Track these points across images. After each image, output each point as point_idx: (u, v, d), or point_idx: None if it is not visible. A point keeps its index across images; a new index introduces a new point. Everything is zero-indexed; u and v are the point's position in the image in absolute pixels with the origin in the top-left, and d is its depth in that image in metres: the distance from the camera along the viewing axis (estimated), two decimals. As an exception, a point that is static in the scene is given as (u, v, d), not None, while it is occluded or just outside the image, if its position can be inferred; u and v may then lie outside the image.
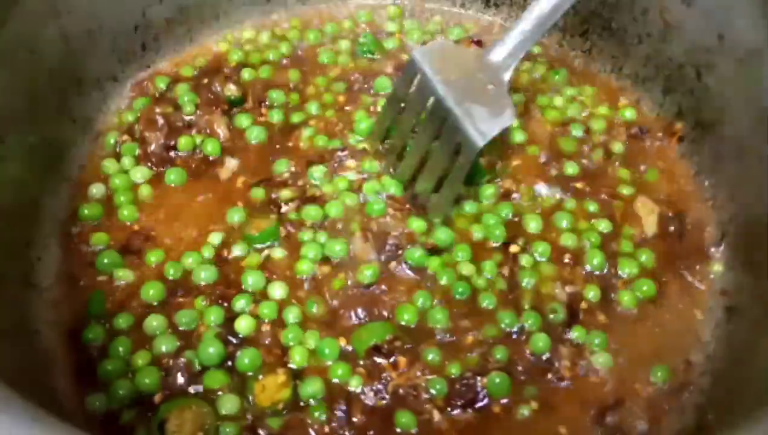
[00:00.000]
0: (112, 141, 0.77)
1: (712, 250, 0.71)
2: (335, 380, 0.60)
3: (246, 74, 0.83)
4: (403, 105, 0.74)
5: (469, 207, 0.73)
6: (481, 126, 0.67)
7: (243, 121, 0.78)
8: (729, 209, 0.71)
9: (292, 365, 0.61)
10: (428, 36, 0.89)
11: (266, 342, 0.62)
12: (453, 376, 0.61)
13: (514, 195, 0.73)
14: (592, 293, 0.67)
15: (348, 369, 0.61)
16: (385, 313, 0.65)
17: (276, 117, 0.79)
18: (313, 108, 0.81)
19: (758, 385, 0.56)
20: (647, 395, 0.62)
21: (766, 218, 0.65)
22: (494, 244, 0.70)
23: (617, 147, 0.78)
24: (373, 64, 0.86)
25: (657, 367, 0.63)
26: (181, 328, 0.63)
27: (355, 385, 0.60)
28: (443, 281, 0.67)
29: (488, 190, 0.73)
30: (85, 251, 0.68)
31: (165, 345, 0.62)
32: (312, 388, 0.59)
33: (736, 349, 0.63)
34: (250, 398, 0.59)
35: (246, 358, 0.61)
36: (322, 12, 0.92)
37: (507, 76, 0.71)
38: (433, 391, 0.60)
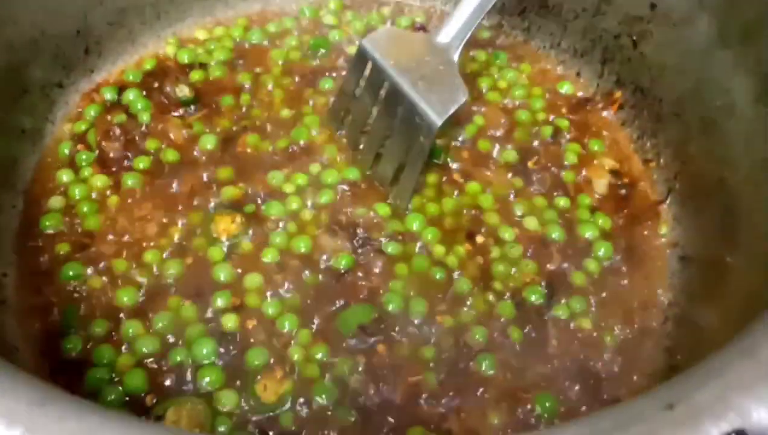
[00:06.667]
0: (66, 151, 0.75)
1: (661, 206, 0.75)
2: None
3: (196, 75, 0.82)
4: (356, 94, 0.75)
5: (428, 192, 0.74)
6: (438, 106, 0.69)
7: (197, 126, 0.78)
8: (673, 167, 0.75)
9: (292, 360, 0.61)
10: (372, 26, 0.90)
11: (258, 337, 0.63)
12: (442, 372, 0.62)
13: (468, 183, 0.75)
14: (566, 265, 0.70)
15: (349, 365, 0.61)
16: (363, 298, 0.65)
17: (227, 121, 0.79)
18: (262, 108, 0.80)
19: (716, 325, 0.60)
20: (618, 344, 0.65)
21: (707, 171, 0.70)
22: (460, 230, 0.72)
23: (562, 122, 0.82)
24: (322, 60, 0.86)
25: (604, 333, 0.66)
26: (160, 328, 0.62)
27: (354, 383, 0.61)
28: (418, 267, 0.68)
29: (439, 178, 0.75)
30: (49, 263, 0.67)
31: (146, 347, 0.61)
32: (325, 393, 0.60)
33: (693, 294, 0.67)
34: (253, 398, 0.59)
35: (255, 359, 0.61)
36: (264, 8, 0.91)
37: (456, 56, 0.74)
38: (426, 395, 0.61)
